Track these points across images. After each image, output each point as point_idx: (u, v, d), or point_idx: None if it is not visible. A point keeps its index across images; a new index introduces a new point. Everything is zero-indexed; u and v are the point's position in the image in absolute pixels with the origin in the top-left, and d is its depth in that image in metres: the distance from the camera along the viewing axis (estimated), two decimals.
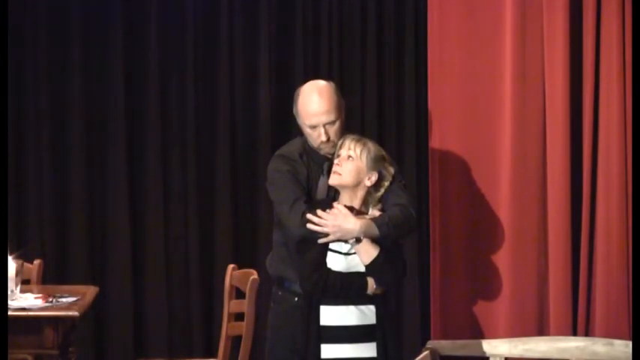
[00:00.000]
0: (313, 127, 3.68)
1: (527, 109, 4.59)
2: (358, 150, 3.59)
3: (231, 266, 4.39)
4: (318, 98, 3.68)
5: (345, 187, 3.61)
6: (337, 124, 3.69)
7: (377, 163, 3.62)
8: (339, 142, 3.63)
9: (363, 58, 4.98)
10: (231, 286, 4.35)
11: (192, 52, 4.95)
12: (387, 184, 3.65)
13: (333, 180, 3.61)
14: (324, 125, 3.66)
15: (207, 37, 4.96)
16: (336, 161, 3.61)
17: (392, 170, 3.67)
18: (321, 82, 3.75)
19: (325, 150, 3.70)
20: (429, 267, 4.76)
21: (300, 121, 3.74)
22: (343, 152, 3.60)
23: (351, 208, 3.60)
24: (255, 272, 4.23)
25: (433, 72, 4.69)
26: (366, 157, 3.60)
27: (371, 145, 3.63)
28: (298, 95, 3.74)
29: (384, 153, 3.66)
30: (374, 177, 3.62)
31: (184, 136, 5.01)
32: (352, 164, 3.60)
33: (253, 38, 4.94)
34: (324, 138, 3.66)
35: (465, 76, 4.64)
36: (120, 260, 4.98)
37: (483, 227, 4.66)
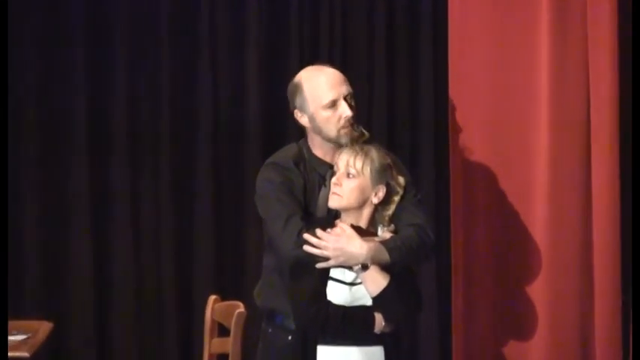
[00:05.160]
0: (333, 104, 3.68)
1: (567, 107, 4.64)
2: (359, 164, 3.60)
3: (212, 297, 4.39)
4: (330, 71, 3.74)
5: (347, 209, 3.62)
6: (354, 101, 3.73)
7: (383, 175, 3.63)
8: (337, 153, 3.66)
9: (370, 46, 5.01)
10: (213, 321, 4.34)
11: (166, 38, 5.05)
12: (397, 198, 3.66)
13: (333, 202, 3.61)
14: (344, 98, 3.69)
15: (184, 25, 5.07)
16: (333, 180, 3.61)
17: (402, 181, 3.67)
18: (322, 64, 3.81)
19: (347, 137, 3.70)
20: (450, 298, 4.78)
21: (309, 111, 3.73)
22: (341, 166, 3.61)
23: (357, 228, 3.60)
24: (241, 304, 4.24)
25: (454, 62, 4.71)
26: (370, 170, 3.60)
27: (374, 153, 3.63)
28: (299, 82, 3.75)
29: (390, 160, 3.66)
30: (381, 192, 3.62)
31: (157, 142, 5.07)
32: (354, 182, 3.60)
33: (239, 28, 5.06)
34: (349, 112, 3.67)
35: (492, 67, 4.68)
36: (80, 290, 5.00)
37: (515, 249, 4.69)
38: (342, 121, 3.67)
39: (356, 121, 3.67)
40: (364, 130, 3.68)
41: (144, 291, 5.06)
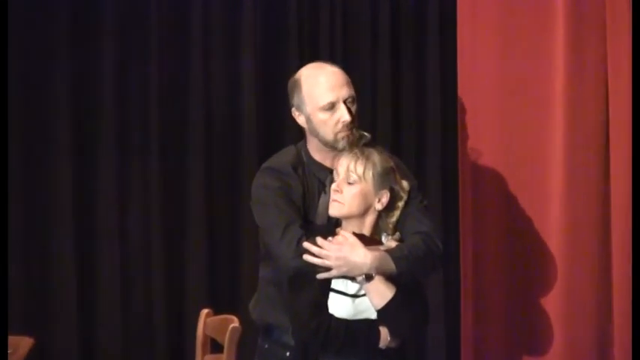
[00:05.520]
0: (331, 106, 3.68)
1: (583, 106, 4.66)
2: (360, 169, 3.58)
3: (205, 311, 4.33)
4: (331, 70, 3.73)
5: (349, 217, 3.61)
6: (356, 104, 3.71)
7: (386, 179, 3.62)
8: (336, 158, 3.66)
9: (373, 42, 5.04)
10: (205, 336, 4.29)
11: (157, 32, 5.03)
12: (401, 204, 3.64)
13: (334, 210, 3.60)
14: (344, 101, 3.68)
15: (175, 18, 5.06)
16: (334, 186, 3.60)
17: (406, 185, 3.66)
18: (324, 62, 3.81)
19: (345, 142, 3.67)
20: (458, 310, 4.80)
21: (306, 111, 3.73)
22: (341, 172, 3.60)
23: (360, 236, 3.57)
24: (235, 319, 4.14)
25: (463, 59, 4.74)
26: (372, 174, 3.59)
27: (376, 156, 3.61)
28: (299, 79, 3.75)
29: (392, 164, 3.65)
30: (385, 197, 3.61)
31: (145, 144, 5.05)
32: (355, 188, 3.59)
33: (235, 25, 5.06)
34: (347, 117, 3.65)
35: (504, 64, 4.70)
36: (63, 303, 4.97)
37: (528, 258, 4.69)
38: (339, 126, 3.67)
39: (357, 126, 3.68)
40: (364, 133, 3.67)
41: (131, 304, 5.04)
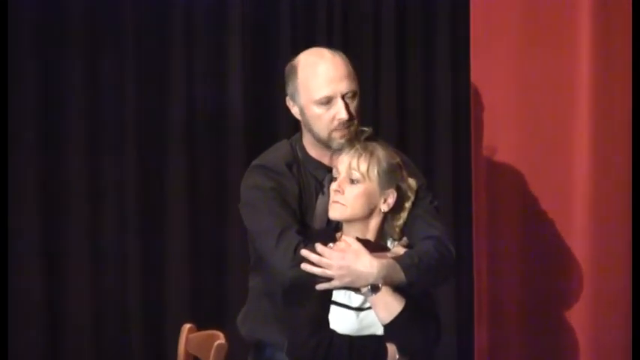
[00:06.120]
0: (327, 101, 3.60)
1: (610, 103, 4.60)
2: (363, 166, 3.53)
3: (187, 326, 4.03)
4: (331, 60, 3.63)
5: (352, 220, 3.56)
6: (357, 100, 3.62)
7: (392, 177, 3.56)
8: (336, 154, 3.63)
9: (376, 28, 4.99)
10: (188, 354, 4.02)
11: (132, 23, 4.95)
12: (409, 204, 3.58)
13: (335, 213, 3.54)
14: (342, 97, 3.58)
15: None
16: (334, 186, 3.54)
17: (414, 184, 3.60)
18: (326, 49, 3.71)
19: (341, 141, 3.60)
20: (472, 322, 4.75)
21: (300, 102, 3.67)
22: (342, 170, 3.54)
23: (365, 242, 3.50)
24: (221, 335, 3.95)
25: (476, 46, 4.67)
26: (377, 172, 3.54)
27: (380, 152, 3.55)
28: (296, 66, 3.68)
29: (399, 160, 3.59)
30: (391, 197, 3.54)
31: (120, 142, 4.96)
32: (358, 188, 3.53)
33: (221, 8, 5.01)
34: (343, 114, 3.57)
35: (522, 51, 4.66)
36: (29, 316, 4.88)
37: (550, 265, 4.64)
38: (334, 123, 3.61)
39: (357, 123, 3.63)
40: (364, 128, 3.61)
41: (105, 319, 4.93)
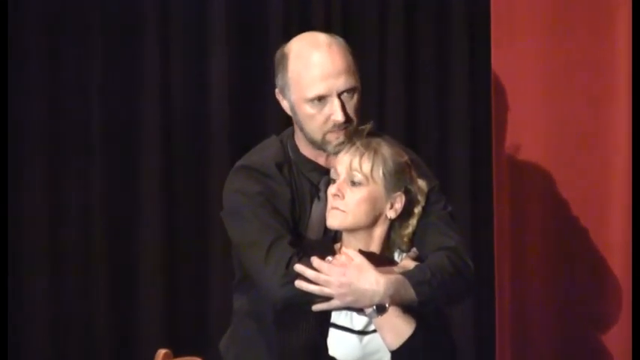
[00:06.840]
0: (319, 99, 3.44)
1: None
2: (367, 166, 3.38)
3: (162, 352, 3.77)
4: (327, 50, 3.47)
5: (354, 229, 3.43)
6: (357, 97, 3.45)
7: (400, 178, 3.41)
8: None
9: (382, 12, 4.91)
10: None
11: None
12: (418, 210, 3.44)
13: (335, 221, 3.41)
14: (338, 95, 3.42)
15: None
16: (332, 190, 3.40)
17: (424, 186, 3.45)
18: (322, 35, 3.56)
19: (336, 143, 3.44)
20: (494, 348, 4.71)
21: (291, 98, 3.52)
22: (342, 171, 3.38)
23: (369, 255, 3.35)
24: None
25: (497, 36, 4.60)
26: (382, 173, 3.39)
27: (386, 149, 3.41)
28: (286, 55, 3.53)
29: (407, 158, 3.45)
30: (399, 202, 3.38)
31: (87, 141, 4.86)
32: (361, 192, 3.39)
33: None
34: (339, 116, 3.40)
35: (551, 37, 4.57)
36: None
37: (583, 283, 4.57)
38: (329, 124, 3.46)
39: (356, 124, 3.48)
40: (363, 127, 3.50)
41: (67, 345, 4.80)
